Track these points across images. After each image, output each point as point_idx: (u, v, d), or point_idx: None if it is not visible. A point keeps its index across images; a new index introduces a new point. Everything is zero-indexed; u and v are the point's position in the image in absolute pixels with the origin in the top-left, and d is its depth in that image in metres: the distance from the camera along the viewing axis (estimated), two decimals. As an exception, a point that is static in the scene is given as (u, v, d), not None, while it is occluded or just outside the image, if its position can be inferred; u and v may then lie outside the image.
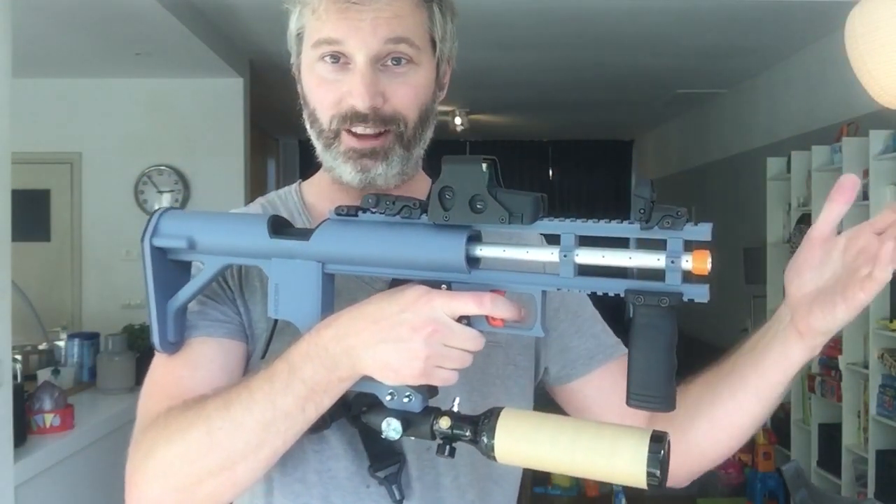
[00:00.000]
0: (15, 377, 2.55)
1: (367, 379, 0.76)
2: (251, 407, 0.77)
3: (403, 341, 0.72)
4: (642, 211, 0.67)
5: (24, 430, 2.50)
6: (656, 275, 0.69)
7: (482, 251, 0.75)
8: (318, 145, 0.94)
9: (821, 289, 0.79)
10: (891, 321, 3.53)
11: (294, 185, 1.05)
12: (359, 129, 0.89)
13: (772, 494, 4.45)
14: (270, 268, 0.83)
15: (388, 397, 0.77)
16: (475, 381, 0.94)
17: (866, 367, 3.70)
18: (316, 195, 1.01)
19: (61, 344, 3.47)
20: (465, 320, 0.74)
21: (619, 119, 8.08)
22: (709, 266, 0.66)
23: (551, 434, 0.72)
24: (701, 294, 0.67)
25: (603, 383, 1.01)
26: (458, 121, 7.23)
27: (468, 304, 0.72)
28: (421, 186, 0.98)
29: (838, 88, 4.13)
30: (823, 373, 4.14)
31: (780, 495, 4.34)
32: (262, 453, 0.78)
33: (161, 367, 0.90)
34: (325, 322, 0.78)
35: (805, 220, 4.36)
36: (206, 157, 5.09)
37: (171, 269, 0.89)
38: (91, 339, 3.52)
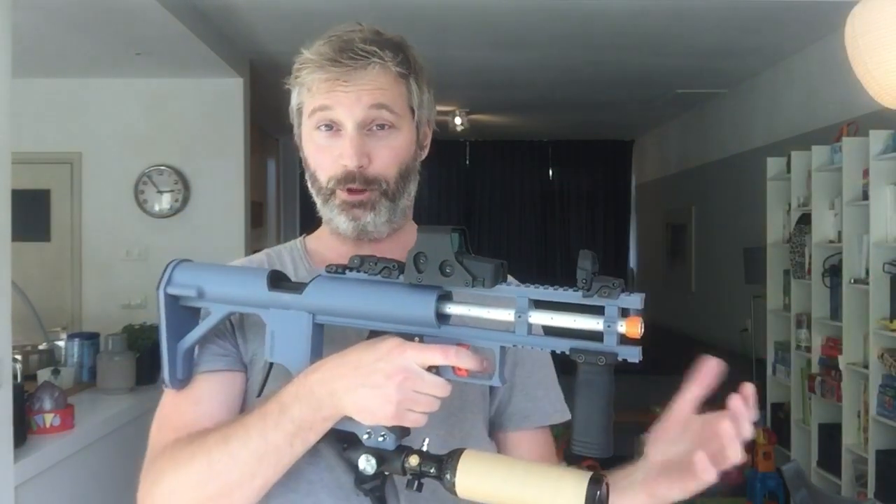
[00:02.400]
0: (15, 377, 2.55)
1: (347, 419, 0.87)
2: (247, 442, 0.89)
3: (379, 387, 0.83)
4: (584, 281, 0.76)
5: (24, 430, 2.50)
6: (598, 336, 0.78)
7: (450, 309, 0.85)
8: (318, 201, 1.07)
9: (670, 462, 0.88)
10: (891, 321, 3.54)
11: (299, 238, 1.18)
12: (350, 187, 1.03)
13: (772, 494, 4.45)
14: (268, 316, 0.94)
15: (366, 436, 0.88)
16: (454, 407, 1.03)
17: (866, 367, 3.70)
18: (317, 243, 1.15)
19: (61, 344, 3.47)
20: (434, 370, 0.85)
21: (619, 119, 8.07)
22: (640, 331, 0.75)
23: (504, 474, 0.82)
24: (633, 354, 0.77)
25: (532, 447, 1.10)
26: (458, 121, 7.24)
27: (436, 355, 0.83)
28: (410, 237, 1.08)
29: (838, 88, 4.13)
30: (823, 373, 4.14)
31: (780, 495, 4.34)
32: (256, 482, 0.90)
33: (169, 403, 1.02)
34: (313, 367, 0.89)
35: (805, 220, 4.36)
36: (206, 157, 5.09)
37: (182, 314, 1.00)
38: (91, 339, 3.52)
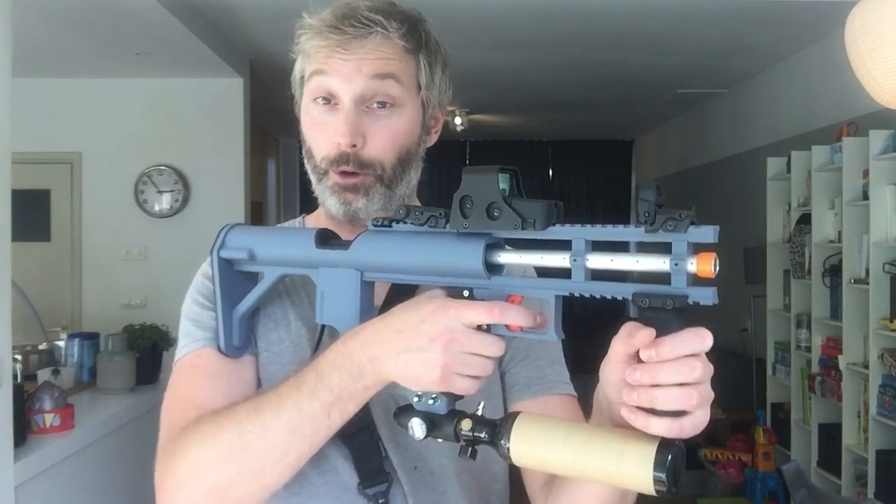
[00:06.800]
0: (15, 377, 2.55)
1: (394, 383, 0.80)
2: (280, 412, 0.82)
3: (423, 350, 0.76)
4: (647, 214, 0.67)
5: (24, 430, 2.50)
6: (664, 278, 0.69)
7: (500, 258, 0.78)
8: (313, 178, 1.01)
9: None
10: (891, 321, 3.54)
11: (299, 218, 1.14)
12: (343, 169, 0.97)
13: (772, 494, 4.45)
14: (318, 277, 0.89)
15: (416, 399, 0.80)
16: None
17: (866, 367, 3.70)
18: (315, 223, 1.08)
19: (61, 344, 3.47)
20: (484, 327, 0.77)
21: (619, 119, 8.07)
22: (714, 268, 0.66)
23: (563, 437, 0.73)
24: (706, 296, 0.66)
25: None
26: (458, 121, 7.23)
27: (480, 313, 0.75)
28: None
29: (838, 88, 4.13)
30: (823, 373, 4.14)
31: (780, 495, 4.34)
32: (290, 457, 0.83)
33: (184, 379, 0.96)
34: (352, 332, 0.82)
35: (805, 220, 4.36)
36: (206, 157, 5.09)
37: (238, 279, 0.96)
38: (91, 339, 3.52)
